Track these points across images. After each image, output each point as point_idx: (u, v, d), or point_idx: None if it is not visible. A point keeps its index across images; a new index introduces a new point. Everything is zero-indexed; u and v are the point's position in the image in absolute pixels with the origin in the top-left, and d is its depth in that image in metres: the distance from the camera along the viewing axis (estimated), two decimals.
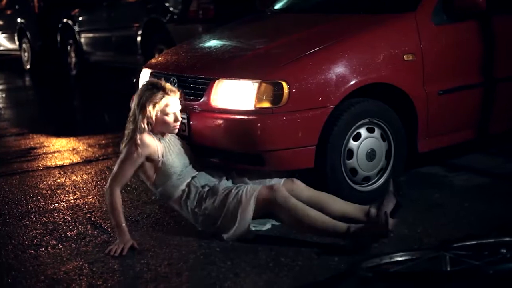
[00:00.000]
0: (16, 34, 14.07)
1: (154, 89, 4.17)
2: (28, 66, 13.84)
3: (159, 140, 4.20)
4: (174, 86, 4.71)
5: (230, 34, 5.48)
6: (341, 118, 4.35)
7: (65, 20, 12.13)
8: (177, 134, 4.33)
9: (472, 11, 4.89)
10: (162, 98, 4.15)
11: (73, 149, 6.65)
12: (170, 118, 4.19)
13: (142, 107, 4.13)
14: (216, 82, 4.43)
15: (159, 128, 4.20)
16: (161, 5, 9.46)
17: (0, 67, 15.35)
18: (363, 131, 4.50)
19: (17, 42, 14.11)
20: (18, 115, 9.57)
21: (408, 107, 4.69)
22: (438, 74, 4.80)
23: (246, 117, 4.26)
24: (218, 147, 4.47)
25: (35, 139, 7.27)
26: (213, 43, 5.28)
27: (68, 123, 8.46)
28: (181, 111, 4.28)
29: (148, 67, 5.30)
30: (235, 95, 4.34)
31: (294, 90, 4.25)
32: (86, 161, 6.14)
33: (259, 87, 4.25)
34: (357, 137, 4.48)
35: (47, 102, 10.53)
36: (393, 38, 4.67)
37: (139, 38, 9.84)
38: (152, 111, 4.13)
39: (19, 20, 13.85)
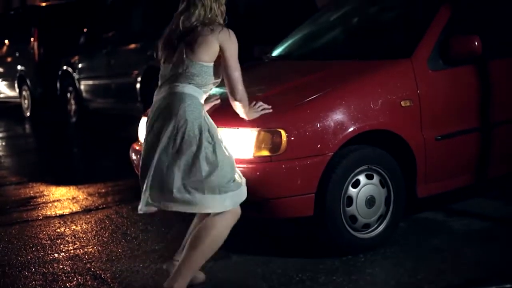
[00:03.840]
0: (16, 81, 14.15)
1: None
2: (28, 114, 13.89)
3: None
4: None
5: None
6: (340, 165, 4.36)
7: (65, 67, 12.22)
8: None
9: (468, 56, 4.93)
10: None
11: (73, 198, 6.65)
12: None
13: None
14: None
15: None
16: None
17: (0, 115, 15.40)
18: (362, 178, 4.50)
19: (17, 89, 14.18)
20: (18, 163, 9.59)
21: (407, 153, 4.70)
22: (436, 119, 4.82)
23: (245, 165, 4.26)
24: None
25: (35, 188, 7.26)
26: (214, 91, 5.31)
27: (68, 171, 8.46)
28: None
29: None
30: (233, 143, 4.35)
31: (292, 138, 4.27)
32: (86, 210, 6.13)
33: (257, 136, 4.28)
34: (356, 184, 4.48)
35: (47, 149, 10.54)
36: (390, 84, 4.70)
37: (138, 85, 9.89)
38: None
39: (19, 67, 13.95)
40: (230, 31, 3.96)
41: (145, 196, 3.88)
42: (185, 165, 3.79)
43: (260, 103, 4.31)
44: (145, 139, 3.99)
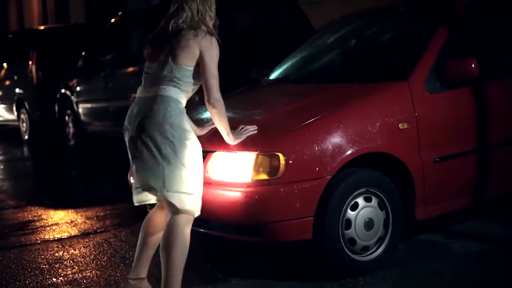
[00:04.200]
0: (14, 105, 14.15)
1: None
2: (26, 137, 13.88)
3: None
4: None
5: (226, 105, 5.51)
6: (338, 188, 4.37)
7: (63, 90, 12.21)
8: None
9: (466, 79, 4.94)
10: None
11: (71, 222, 6.63)
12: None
13: None
14: (213, 154, 4.47)
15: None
16: None
17: None
18: (360, 201, 4.50)
19: (15, 113, 14.18)
20: (16, 187, 9.56)
21: (405, 175, 4.70)
22: (434, 141, 4.83)
23: (243, 189, 4.27)
24: (216, 219, 4.47)
25: (33, 211, 7.24)
26: (209, 114, 5.32)
27: (66, 194, 8.45)
28: None
29: None
30: (232, 167, 4.37)
31: (290, 161, 4.27)
32: (84, 234, 6.11)
33: (255, 159, 4.28)
34: (354, 207, 4.48)
35: (45, 173, 10.53)
36: (387, 107, 4.72)
37: None
38: (214, 4, 4.13)
39: (17, 90, 13.95)
40: (213, 38, 4.06)
41: (138, 191, 4.13)
42: (172, 167, 3.94)
43: (246, 126, 4.36)
44: (130, 138, 4.11)
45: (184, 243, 4.00)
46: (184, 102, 4.08)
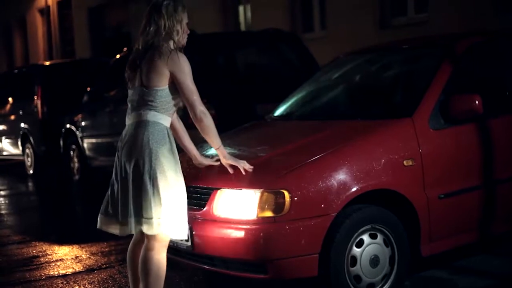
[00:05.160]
0: (19, 139, 14.20)
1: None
2: (31, 171, 13.91)
3: None
4: None
5: (231, 142, 5.52)
6: (344, 225, 4.37)
7: (68, 125, 12.27)
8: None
9: (469, 115, 4.96)
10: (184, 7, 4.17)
11: (76, 257, 6.62)
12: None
13: (174, 12, 4.11)
14: (218, 192, 4.48)
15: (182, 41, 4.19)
16: None
17: (3, 172, 15.43)
18: (365, 238, 4.51)
19: (20, 147, 14.23)
20: (20, 222, 9.56)
21: (410, 211, 4.71)
22: (439, 178, 4.84)
23: (248, 226, 4.29)
24: (221, 257, 4.47)
25: (38, 247, 7.24)
26: (214, 151, 5.34)
27: (71, 229, 8.44)
28: None
29: None
30: (237, 204, 4.38)
31: (296, 199, 4.28)
32: (89, 270, 6.10)
33: (261, 197, 4.30)
34: (360, 244, 4.48)
35: (50, 208, 10.53)
36: (392, 144, 4.73)
37: None
38: (185, 19, 4.13)
39: (22, 125, 14.01)
40: (180, 54, 4.08)
41: (132, 219, 4.08)
42: (154, 192, 3.99)
43: (246, 163, 4.41)
44: (118, 165, 4.17)
45: (159, 267, 4.09)
46: (165, 122, 4.10)
